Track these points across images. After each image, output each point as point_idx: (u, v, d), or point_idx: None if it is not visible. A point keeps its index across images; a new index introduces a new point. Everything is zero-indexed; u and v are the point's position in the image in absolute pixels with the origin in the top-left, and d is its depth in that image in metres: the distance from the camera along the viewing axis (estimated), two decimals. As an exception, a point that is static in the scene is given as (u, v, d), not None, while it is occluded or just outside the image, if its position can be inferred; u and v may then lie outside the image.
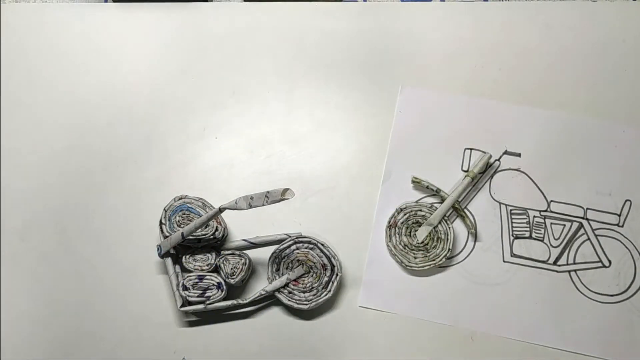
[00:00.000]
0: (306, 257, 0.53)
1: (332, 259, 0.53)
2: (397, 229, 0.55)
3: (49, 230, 0.56)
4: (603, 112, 0.58)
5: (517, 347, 0.53)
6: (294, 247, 0.53)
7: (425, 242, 0.54)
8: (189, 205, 0.54)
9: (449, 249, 0.54)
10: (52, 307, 0.55)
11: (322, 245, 0.53)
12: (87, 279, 0.55)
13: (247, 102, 0.60)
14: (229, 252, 0.53)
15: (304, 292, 0.52)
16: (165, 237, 0.53)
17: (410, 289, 0.54)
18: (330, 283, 0.52)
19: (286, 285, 0.52)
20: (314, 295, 0.52)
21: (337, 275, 0.52)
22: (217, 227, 0.53)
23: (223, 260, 0.52)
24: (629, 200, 0.56)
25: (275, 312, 0.54)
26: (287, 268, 0.53)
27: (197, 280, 0.52)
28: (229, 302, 0.52)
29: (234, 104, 0.60)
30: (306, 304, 0.52)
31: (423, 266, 0.54)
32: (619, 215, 0.56)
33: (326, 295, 0.52)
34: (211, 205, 0.54)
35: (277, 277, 0.53)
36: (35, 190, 0.58)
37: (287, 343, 0.53)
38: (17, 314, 0.55)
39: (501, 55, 0.60)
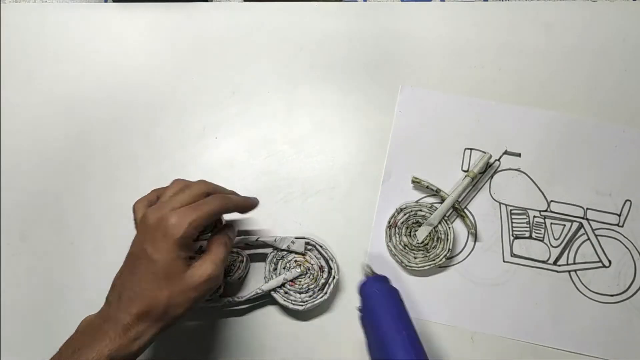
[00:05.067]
0: (304, 258, 0.53)
1: (330, 262, 0.53)
2: (397, 229, 0.55)
3: (49, 230, 0.56)
4: (603, 112, 0.58)
5: (517, 347, 0.53)
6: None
7: (425, 242, 0.54)
8: None
9: (449, 249, 0.54)
10: (52, 306, 0.55)
11: (321, 247, 0.53)
12: (88, 279, 0.55)
13: (247, 102, 0.60)
14: None
15: (300, 292, 0.52)
16: None
17: (410, 289, 0.54)
18: (327, 285, 0.52)
19: (282, 285, 0.52)
20: (310, 296, 0.52)
21: (334, 277, 0.52)
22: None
23: None
24: (629, 200, 0.56)
25: (271, 311, 0.54)
26: (284, 268, 0.53)
27: None
28: (224, 300, 0.52)
29: (234, 104, 0.60)
30: (301, 305, 0.51)
31: (423, 266, 0.54)
32: (619, 215, 0.56)
33: (322, 297, 0.52)
34: None
35: (274, 276, 0.53)
36: (35, 190, 0.58)
37: (284, 342, 0.53)
38: (17, 314, 0.55)
39: (501, 55, 0.60)
